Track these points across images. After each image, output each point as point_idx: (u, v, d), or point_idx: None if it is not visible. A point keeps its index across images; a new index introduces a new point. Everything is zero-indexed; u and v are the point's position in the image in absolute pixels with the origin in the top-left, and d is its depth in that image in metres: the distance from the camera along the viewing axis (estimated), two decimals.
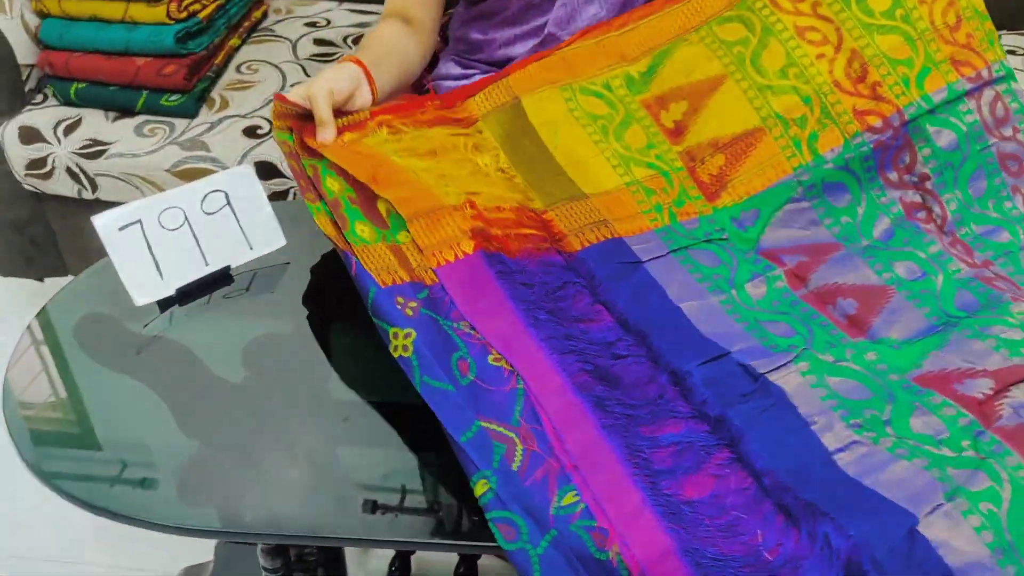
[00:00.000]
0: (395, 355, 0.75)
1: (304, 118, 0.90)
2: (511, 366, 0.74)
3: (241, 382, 0.85)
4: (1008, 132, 0.94)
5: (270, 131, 1.36)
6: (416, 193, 0.84)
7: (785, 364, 0.76)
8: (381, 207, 0.84)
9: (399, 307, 0.77)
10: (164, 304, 0.90)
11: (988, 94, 0.93)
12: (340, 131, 0.90)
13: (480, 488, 0.66)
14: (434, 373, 0.72)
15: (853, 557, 0.62)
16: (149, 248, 0.88)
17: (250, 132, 1.36)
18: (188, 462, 0.78)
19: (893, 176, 0.92)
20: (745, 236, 0.89)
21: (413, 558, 1.16)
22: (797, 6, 0.94)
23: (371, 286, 0.77)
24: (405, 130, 0.93)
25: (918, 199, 0.91)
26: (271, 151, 1.34)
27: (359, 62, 0.97)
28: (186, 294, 0.90)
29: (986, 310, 0.82)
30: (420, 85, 1.28)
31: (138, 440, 0.82)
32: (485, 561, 1.17)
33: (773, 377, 0.75)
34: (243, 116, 1.39)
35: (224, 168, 1.32)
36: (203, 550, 1.18)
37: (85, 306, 0.94)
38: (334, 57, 1.55)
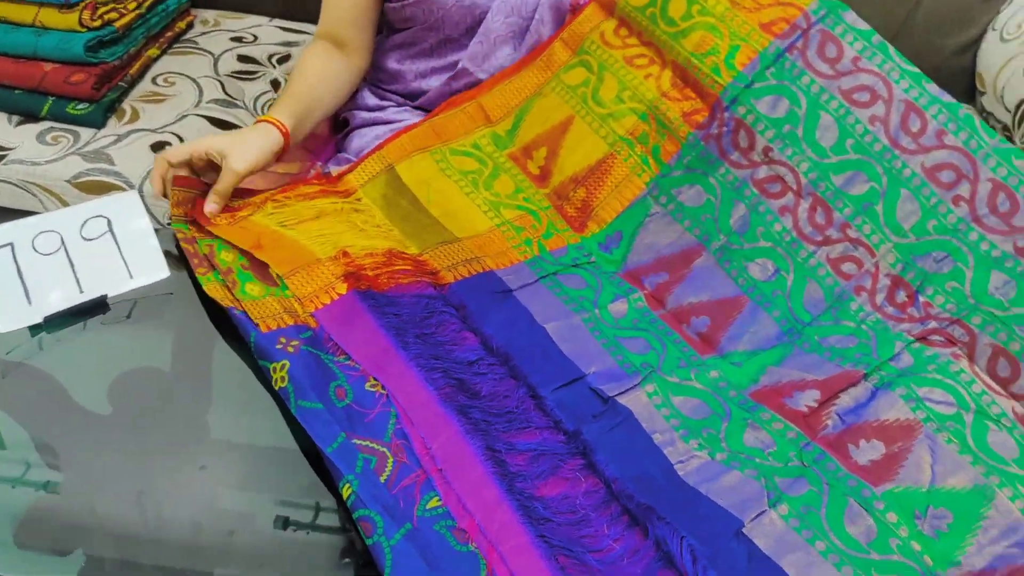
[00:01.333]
0: (276, 388, 0.79)
1: (202, 195, 0.96)
2: (384, 389, 0.80)
3: (107, 415, 0.82)
4: (847, 66, 0.94)
5: None
6: (294, 253, 0.91)
7: (633, 387, 0.82)
8: (272, 272, 0.90)
9: (280, 346, 0.82)
10: (35, 328, 0.87)
11: (815, 38, 0.95)
12: (232, 210, 0.97)
13: (346, 492, 0.71)
14: (307, 396, 0.77)
15: (683, 554, 0.68)
16: (19, 273, 0.85)
17: (158, 147, 1.33)
18: (37, 503, 0.75)
19: (736, 157, 0.96)
20: (611, 258, 0.96)
21: None
22: (625, 40, 1.05)
23: (252, 330, 0.83)
24: (289, 203, 1.00)
25: (771, 173, 0.94)
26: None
27: (282, 129, 1.03)
28: (59, 320, 0.87)
29: (827, 314, 0.88)
30: (335, 116, 1.27)
31: None
32: None
33: (622, 399, 0.81)
34: (153, 130, 1.36)
35: (127, 183, 1.28)
36: None
37: None
38: (256, 76, 1.52)
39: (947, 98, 0.91)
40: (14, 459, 0.77)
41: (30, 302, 0.85)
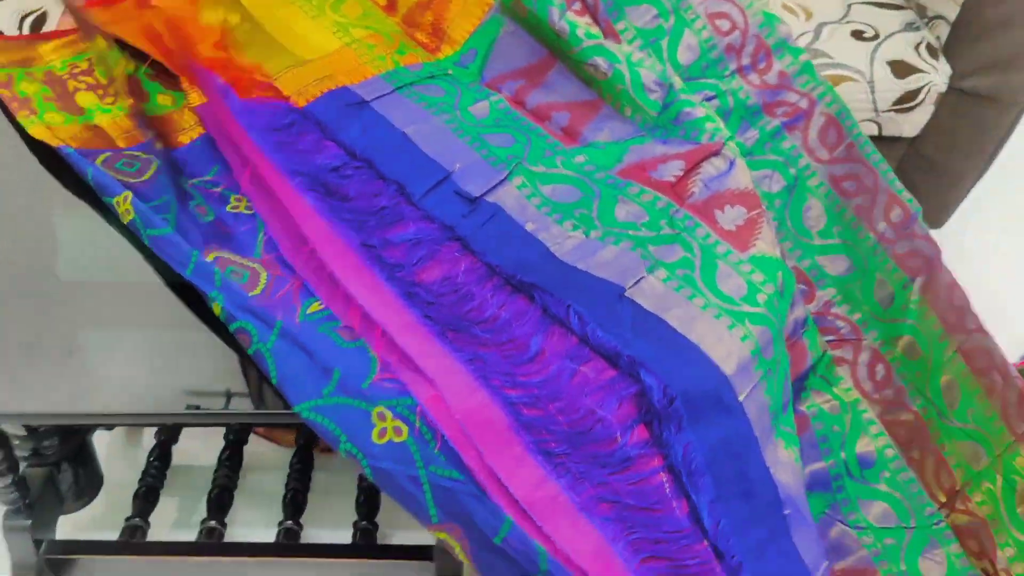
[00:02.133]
0: (125, 222, 0.77)
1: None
2: (249, 210, 0.79)
3: None
4: None
5: None
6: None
7: (500, 182, 0.82)
8: (80, 100, 0.88)
9: (133, 160, 0.82)
10: None
11: None
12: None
13: (216, 309, 0.70)
14: (154, 224, 0.75)
15: (571, 319, 0.70)
16: None
17: None
18: None
19: None
20: (468, 72, 0.95)
21: (176, 448, 1.12)
22: None
23: (87, 167, 0.79)
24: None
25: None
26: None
27: None
28: None
29: (674, 92, 0.89)
30: None
31: None
32: (253, 447, 1.15)
33: (490, 197, 0.81)
34: None
35: None
36: None
37: None
38: None
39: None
40: None
41: None
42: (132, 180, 0.80)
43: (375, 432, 0.63)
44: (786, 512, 0.70)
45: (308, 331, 0.69)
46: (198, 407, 0.74)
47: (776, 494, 0.69)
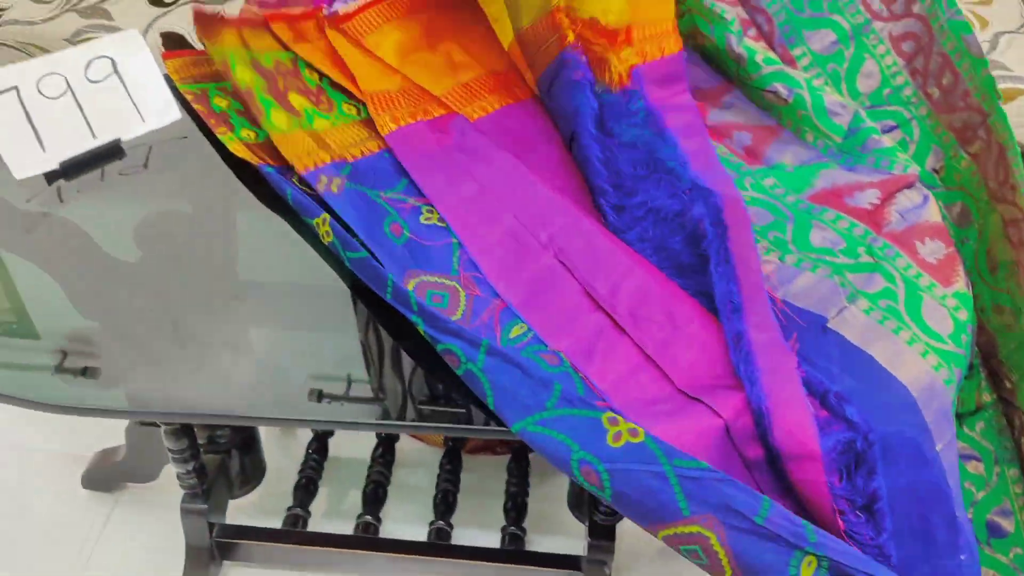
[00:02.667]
0: (326, 243, 0.78)
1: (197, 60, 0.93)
2: (442, 222, 0.78)
3: (138, 262, 0.82)
4: None
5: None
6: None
7: None
8: (293, 99, 0.87)
9: (322, 186, 0.80)
10: (50, 178, 0.85)
11: None
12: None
13: (420, 330, 0.69)
14: (352, 246, 0.75)
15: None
16: (28, 117, 0.82)
17: (156, 0, 1.27)
18: (84, 343, 0.76)
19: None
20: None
21: (331, 441, 1.16)
22: None
23: (287, 188, 0.80)
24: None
25: (746, 16, 0.93)
26: (180, 21, 1.25)
27: None
28: (74, 168, 0.85)
29: (860, 117, 0.86)
30: None
31: (33, 322, 0.78)
32: (404, 444, 1.18)
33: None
34: None
35: None
36: (118, 433, 1.17)
37: None
38: None
39: None
40: (56, 311, 0.77)
41: (43, 148, 0.83)
42: (333, 190, 0.80)
43: (609, 436, 0.61)
44: (962, 558, 0.67)
45: (513, 352, 0.68)
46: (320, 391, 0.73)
47: (958, 540, 0.66)
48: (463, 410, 0.70)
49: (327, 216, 0.76)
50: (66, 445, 1.22)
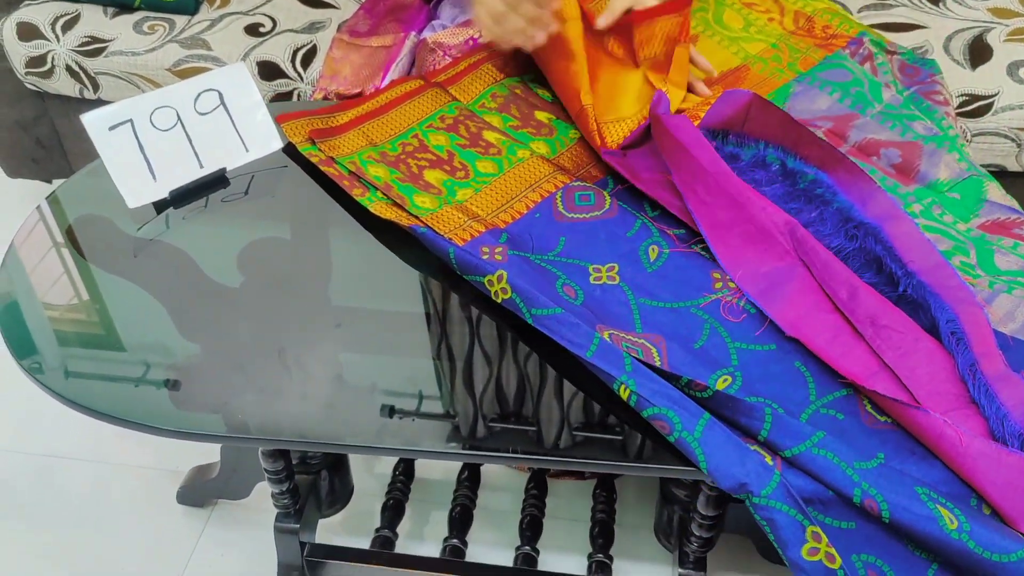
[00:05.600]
0: (498, 301, 0.74)
1: (319, 120, 0.92)
2: (612, 280, 0.76)
3: (239, 287, 0.84)
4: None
5: (272, 29, 1.31)
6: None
7: None
8: (429, 176, 0.86)
9: (485, 256, 0.77)
10: (159, 206, 0.88)
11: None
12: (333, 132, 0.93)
13: (624, 393, 0.66)
14: (539, 302, 0.71)
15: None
16: (141, 149, 0.85)
17: (252, 30, 1.32)
18: (187, 367, 0.78)
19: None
20: None
21: (417, 462, 1.17)
22: None
23: (448, 246, 0.77)
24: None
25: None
26: (274, 50, 1.29)
27: None
28: (181, 196, 0.88)
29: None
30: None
31: (138, 344, 0.81)
32: (488, 467, 1.19)
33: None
34: (244, 13, 1.34)
35: None
36: (212, 450, 1.20)
37: (79, 208, 0.93)
38: None
39: None
40: (161, 333, 0.80)
41: (155, 178, 0.86)
42: (497, 259, 0.77)
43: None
44: None
45: (732, 432, 0.65)
46: (392, 407, 0.72)
47: None
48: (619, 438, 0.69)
49: (503, 273, 0.73)
50: (162, 461, 1.26)
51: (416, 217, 0.82)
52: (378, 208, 0.83)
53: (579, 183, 0.86)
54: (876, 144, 0.90)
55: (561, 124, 0.94)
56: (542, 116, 0.95)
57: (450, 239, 0.78)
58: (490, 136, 0.91)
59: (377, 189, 0.85)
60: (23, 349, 0.78)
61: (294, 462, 1.01)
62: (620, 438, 0.69)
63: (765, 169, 0.82)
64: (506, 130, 0.93)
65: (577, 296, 0.74)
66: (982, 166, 1.18)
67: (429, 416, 0.73)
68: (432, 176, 0.87)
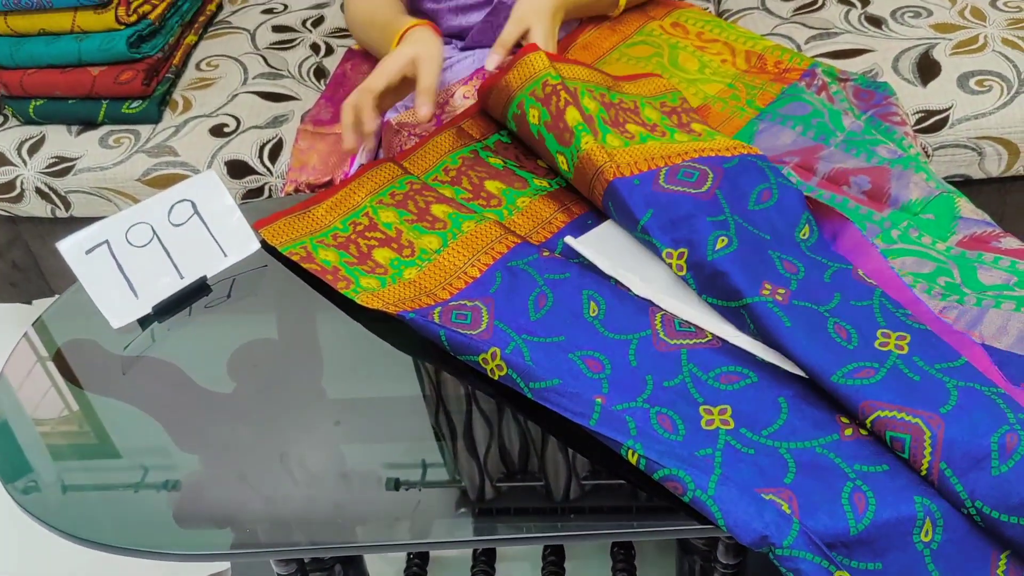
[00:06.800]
0: (495, 378, 0.74)
1: (296, 219, 0.94)
2: (594, 355, 0.75)
3: (233, 393, 0.83)
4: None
5: (237, 128, 1.32)
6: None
7: None
8: (378, 255, 0.88)
9: (463, 311, 0.79)
10: (144, 321, 0.88)
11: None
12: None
13: (632, 458, 0.66)
14: (536, 375, 0.71)
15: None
16: (120, 268, 0.85)
17: (217, 131, 1.33)
18: (188, 483, 0.77)
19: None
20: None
21: None
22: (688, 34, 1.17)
23: (439, 330, 0.77)
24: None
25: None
26: (240, 148, 1.30)
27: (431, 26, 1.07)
28: (164, 309, 0.88)
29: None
30: None
31: (136, 466, 0.80)
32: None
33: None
34: (208, 115, 1.36)
35: (196, 171, 1.29)
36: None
37: (65, 330, 0.92)
38: (295, 44, 1.51)
39: None
40: (155, 451, 0.79)
41: (136, 295, 0.86)
42: (469, 332, 0.76)
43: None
44: None
45: (745, 486, 0.65)
46: (397, 479, 0.72)
47: None
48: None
49: (497, 350, 0.73)
50: (173, 571, 1.24)
51: (398, 303, 0.82)
52: (364, 299, 0.83)
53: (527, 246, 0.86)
54: (845, 173, 0.92)
55: (510, 193, 0.95)
56: (492, 187, 0.96)
57: (439, 323, 0.78)
58: (437, 210, 0.92)
59: (352, 266, 0.87)
60: (15, 472, 0.77)
61: (306, 560, 0.99)
62: (634, 504, 0.69)
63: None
64: (459, 201, 0.93)
65: (606, 369, 0.74)
66: (946, 178, 1.20)
67: (440, 504, 0.72)
68: (380, 255, 0.88)
